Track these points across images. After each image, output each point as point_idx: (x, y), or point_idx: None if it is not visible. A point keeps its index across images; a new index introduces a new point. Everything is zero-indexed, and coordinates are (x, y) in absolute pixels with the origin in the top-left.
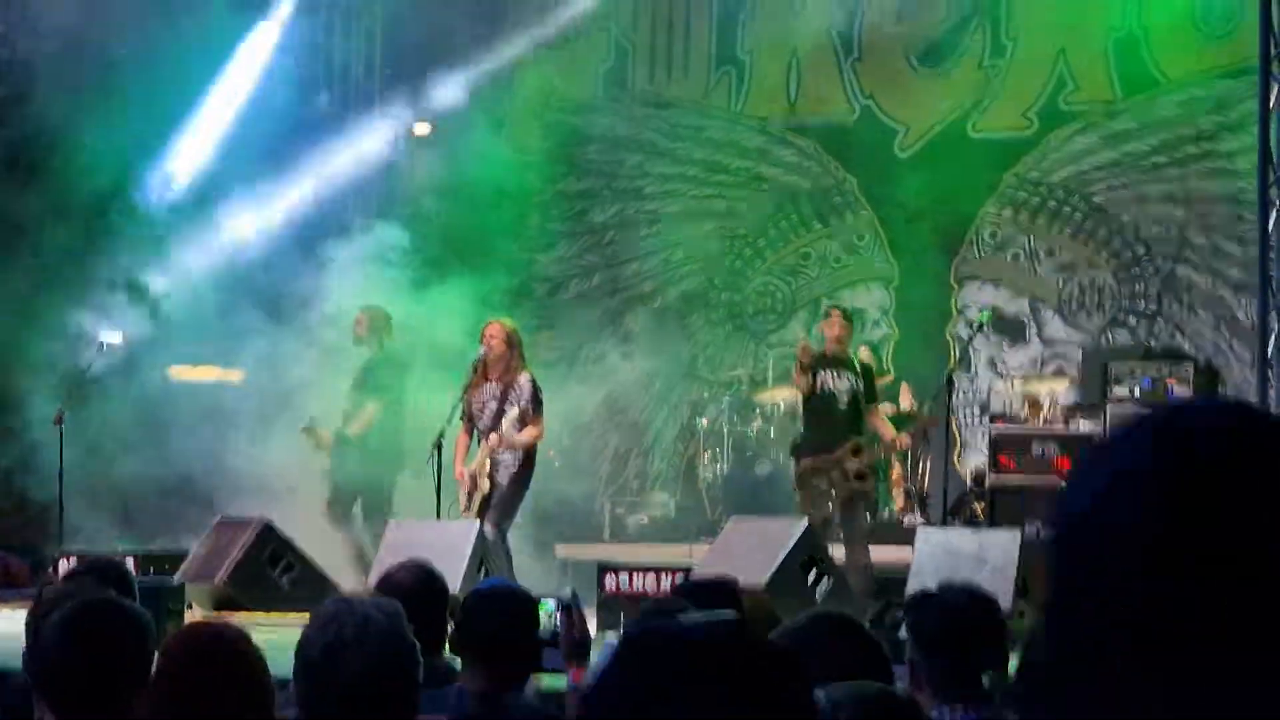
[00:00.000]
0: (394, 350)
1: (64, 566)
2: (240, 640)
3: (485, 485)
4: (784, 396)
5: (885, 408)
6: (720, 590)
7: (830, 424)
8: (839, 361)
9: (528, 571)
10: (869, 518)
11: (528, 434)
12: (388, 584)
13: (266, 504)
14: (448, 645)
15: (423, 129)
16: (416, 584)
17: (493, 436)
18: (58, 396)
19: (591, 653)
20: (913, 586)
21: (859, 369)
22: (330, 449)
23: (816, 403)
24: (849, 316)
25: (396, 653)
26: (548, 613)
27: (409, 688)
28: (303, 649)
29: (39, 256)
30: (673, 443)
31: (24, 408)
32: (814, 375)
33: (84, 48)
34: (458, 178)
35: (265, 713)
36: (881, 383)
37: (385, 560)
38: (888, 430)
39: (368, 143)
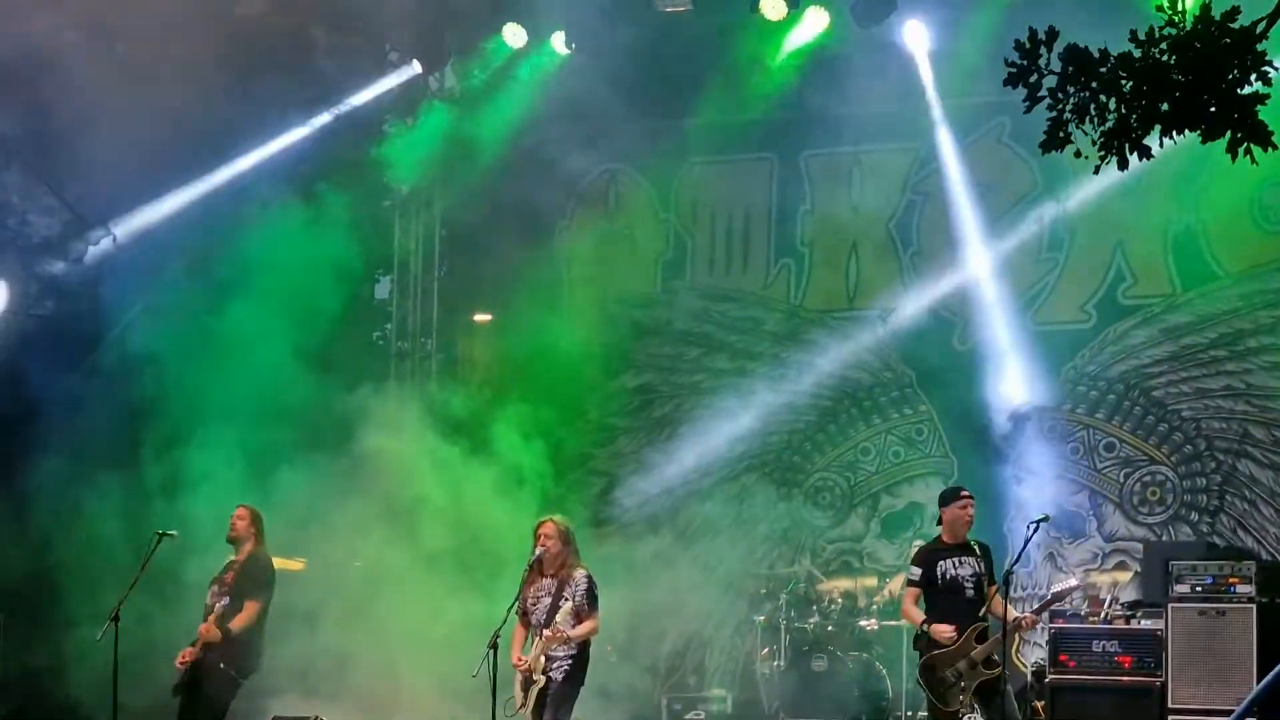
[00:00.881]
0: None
1: None
2: None
3: (540, 680)
4: (842, 589)
5: None
6: None
7: (954, 613)
8: (959, 548)
9: None
10: (1013, 704)
11: (584, 628)
12: None
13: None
14: None
15: (482, 318)
16: None
17: (547, 631)
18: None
19: None
20: None
21: (979, 551)
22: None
23: (939, 592)
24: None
25: None
26: None
27: None
28: None
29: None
30: (730, 638)
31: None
32: (934, 566)
33: None
34: (516, 368)
35: None
36: None
37: None
38: (1010, 611)
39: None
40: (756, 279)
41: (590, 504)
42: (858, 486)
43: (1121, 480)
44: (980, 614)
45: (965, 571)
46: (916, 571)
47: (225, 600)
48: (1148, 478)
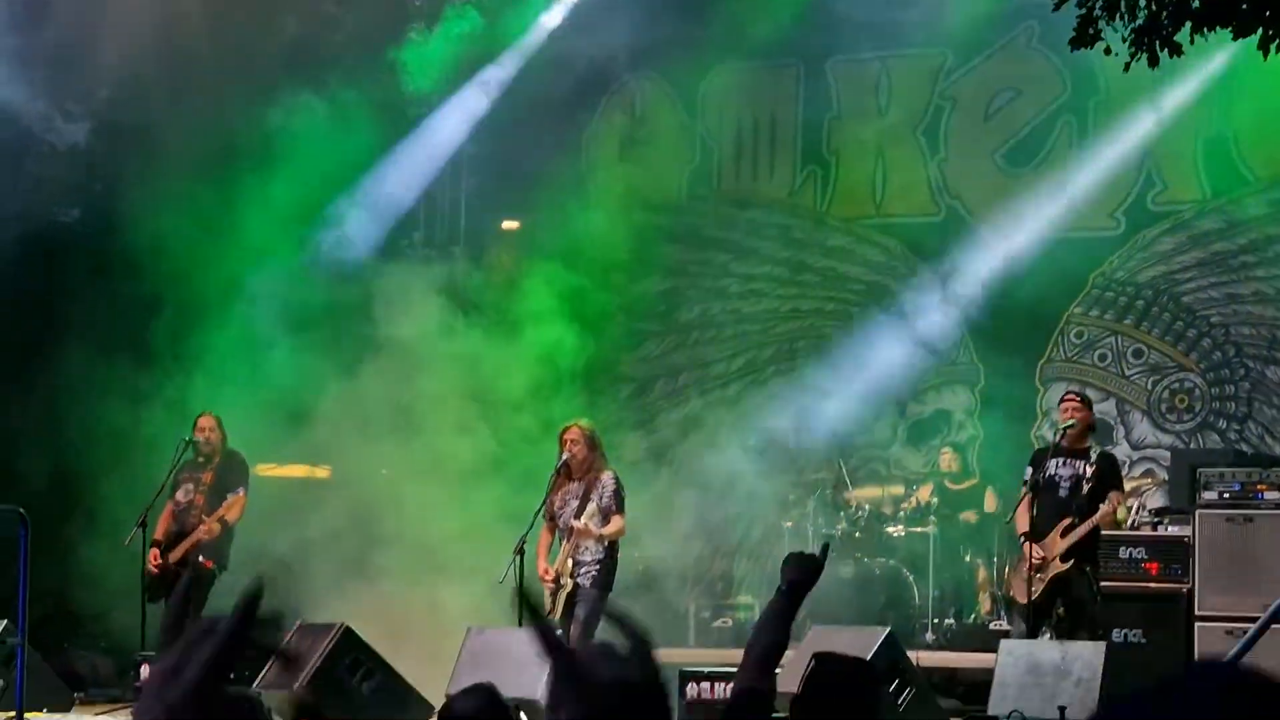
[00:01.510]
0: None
1: (146, 671)
2: None
3: (569, 585)
4: (869, 497)
5: (967, 515)
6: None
7: (1046, 509)
8: (1070, 452)
9: None
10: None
11: (611, 527)
12: (449, 714)
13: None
14: None
15: (510, 224)
16: (480, 715)
17: (575, 523)
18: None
19: None
20: (996, 699)
21: (1095, 458)
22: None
23: (1039, 491)
24: (1087, 401)
25: None
26: None
27: None
28: None
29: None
30: (758, 545)
31: (110, 506)
32: (1041, 467)
33: None
34: (544, 274)
35: None
36: (966, 486)
37: (465, 666)
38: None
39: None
40: (783, 186)
41: (618, 408)
42: (884, 393)
43: (1149, 387)
44: (1076, 510)
45: (1065, 472)
46: (1028, 473)
47: (204, 498)
48: (1176, 385)
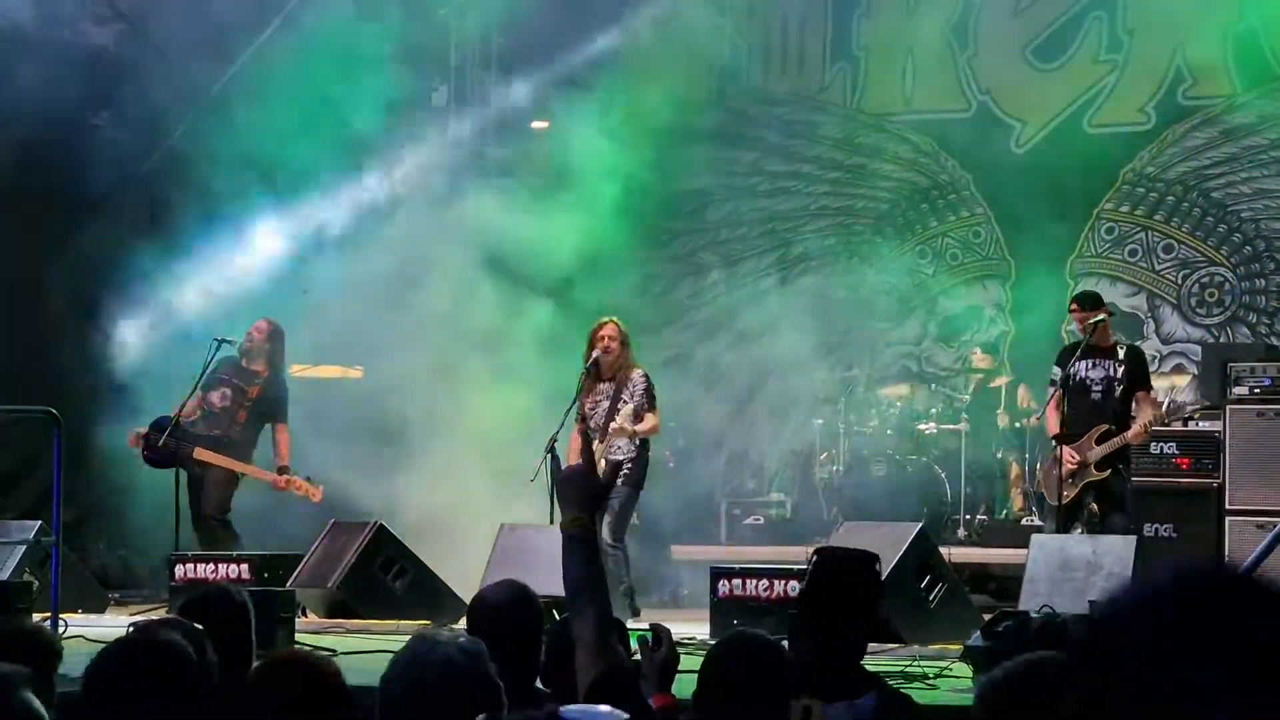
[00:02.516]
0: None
1: (180, 571)
2: (323, 675)
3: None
4: (901, 394)
5: (999, 412)
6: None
7: (1079, 413)
8: (1098, 350)
9: (645, 574)
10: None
11: (645, 425)
12: (480, 605)
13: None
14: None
15: (540, 125)
16: (510, 606)
17: (611, 425)
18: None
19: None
20: (1027, 594)
21: (1124, 355)
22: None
23: (1069, 392)
24: (1085, 302)
25: (479, 695)
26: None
27: None
28: (385, 688)
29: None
30: (789, 444)
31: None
32: (1068, 366)
33: None
34: (573, 174)
35: None
36: (999, 384)
37: (497, 564)
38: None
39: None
40: (812, 83)
41: (646, 307)
42: (915, 289)
43: (1179, 282)
44: (1112, 415)
45: (1096, 374)
46: (1056, 372)
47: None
48: (1206, 279)
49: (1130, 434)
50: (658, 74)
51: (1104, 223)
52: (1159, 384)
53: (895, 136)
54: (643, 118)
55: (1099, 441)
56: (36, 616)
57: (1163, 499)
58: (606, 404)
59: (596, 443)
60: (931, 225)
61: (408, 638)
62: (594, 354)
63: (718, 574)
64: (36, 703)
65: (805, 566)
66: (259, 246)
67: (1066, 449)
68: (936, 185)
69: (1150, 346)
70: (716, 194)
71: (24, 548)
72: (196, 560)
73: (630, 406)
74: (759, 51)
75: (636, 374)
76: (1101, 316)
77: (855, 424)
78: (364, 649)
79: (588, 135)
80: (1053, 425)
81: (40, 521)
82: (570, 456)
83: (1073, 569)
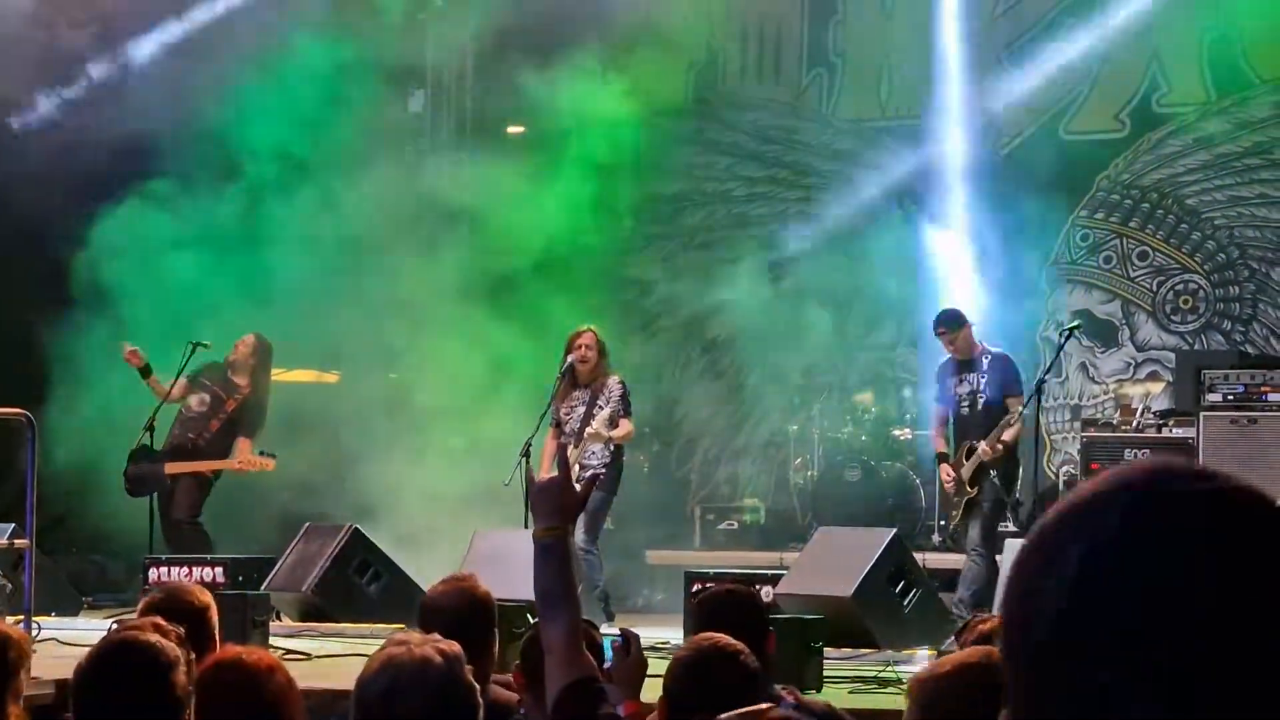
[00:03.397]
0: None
1: (154, 574)
2: (266, 673)
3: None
4: (875, 400)
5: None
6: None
7: (956, 430)
8: (963, 365)
9: (619, 579)
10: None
11: (619, 431)
12: (429, 607)
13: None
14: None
15: (516, 130)
16: (461, 607)
17: (586, 430)
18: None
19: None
20: (1001, 598)
21: (987, 365)
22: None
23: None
24: (949, 324)
25: (453, 698)
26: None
27: None
28: (360, 691)
29: None
30: (763, 448)
31: (118, 410)
32: (943, 383)
33: None
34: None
35: None
36: None
37: (471, 568)
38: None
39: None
40: (789, 89)
41: (622, 312)
42: (888, 296)
43: (1154, 289)
44: (976, 429)
45: (964, 390)
46: (938, 390)
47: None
48: (1180, 286)
49: (980, 449)
50: (636, 78)
51: (1078, 229)
52: (1133, 390)
53: (872, 142)
54: (620, 122)
55: (968, 457)
56: (9, 619)
57: None
58: (582, 410)
59: (571, 448)
60: (909, 229)
61: (382, 642)
62: (569, 359)
63: (691, 578)
64: None
65: (780, 571)
66: None
67: (944, 468)
68: (913, 189)
69: (1125, 353)
70: (693, 198)
71: None
72: (170, 563)
73: (606, 412)
74: (735, 56)
75: (613, 380)
76: (963, 331)
77: (829, 429)
78: (338, 653)
79: (563, 139)
80: (937, 443)
81: (13, 525)
82: (544, 460)
83: None
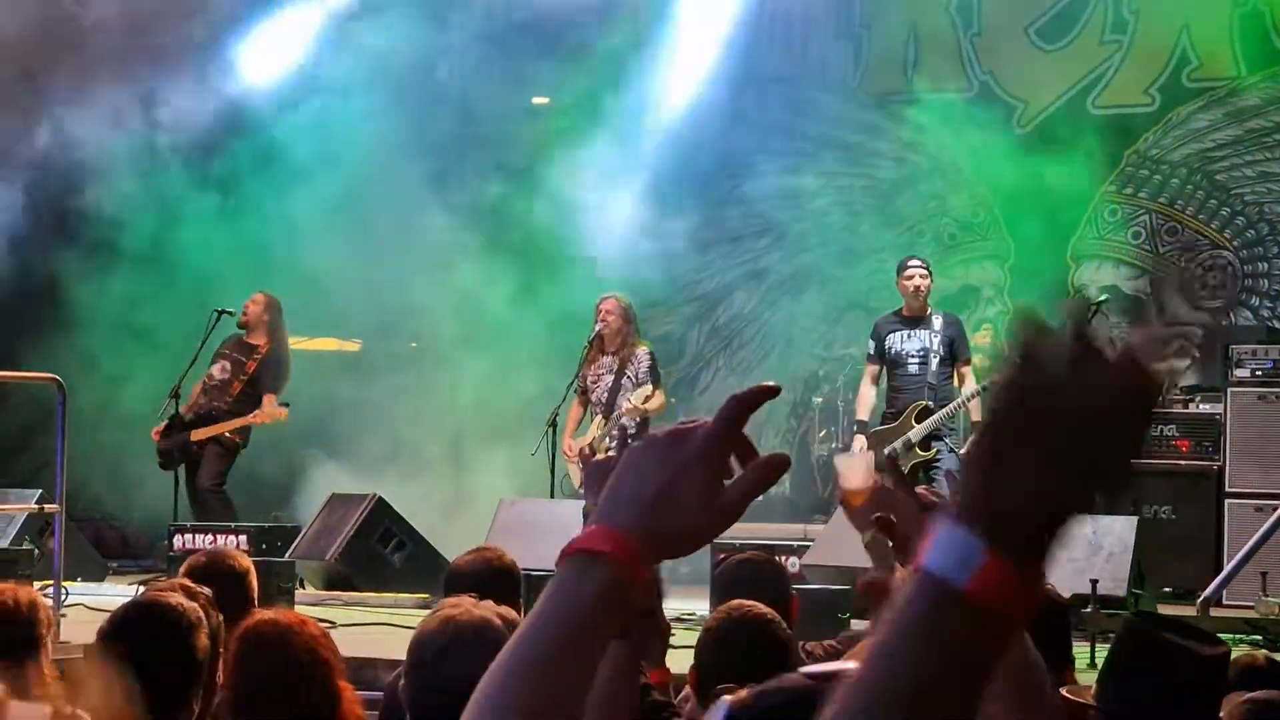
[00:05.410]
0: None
1: (179, 541)
2: (299, 625)
3: (604, 459)
4: None
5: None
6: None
7: (898, 389)
8: (912, 320)
9: None
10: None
11: (653, 403)
12: (455, 574)
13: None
14: None
15: (540, 100)
16: (486, 574)
17: (623, 403)
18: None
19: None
20: None
21: (941, 324)
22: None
23: (887, 366)
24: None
25: None
26: None
27: None
28: (417, 647)
29: None
30: (786, 419)
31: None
32: (883, 340)
33: None
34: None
35: (332, 707)
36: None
37: (496, 538)
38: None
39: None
40: (813, 62)
41: (643, 283)
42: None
43: (1183, 264)
44: (936, 389)
45: (912, 346)
46: (871, 345)
47: (241, 387)
48: (1209, 262)
49: (944, 412)
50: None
51: (1107, 205)
52: (1160, 366)
53: (896, 116)
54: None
55: (919, 419)
56: (37, 585)
57: (1162, 481)
58: (610, 378)
59: (598, 417)
60: (931, 204)
61: (406, 610)
62: (596, 327)
63: (716, 550)
64: None
65: (805, 542)
66: None
67: (859, 438)
68: (937, 165)
69: (1153, 329)
70: (717, 173)
71: (24, 516)
72: (195, 530)
73: (643, 390)
74: (762, 29)
75: (641, 351)
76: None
77: (853, 401)
78: (362, 621)
79: (588, 110)
80: (861, 408)
81: (40, 490)
82: (569, 426)
83: (1072, 551)
